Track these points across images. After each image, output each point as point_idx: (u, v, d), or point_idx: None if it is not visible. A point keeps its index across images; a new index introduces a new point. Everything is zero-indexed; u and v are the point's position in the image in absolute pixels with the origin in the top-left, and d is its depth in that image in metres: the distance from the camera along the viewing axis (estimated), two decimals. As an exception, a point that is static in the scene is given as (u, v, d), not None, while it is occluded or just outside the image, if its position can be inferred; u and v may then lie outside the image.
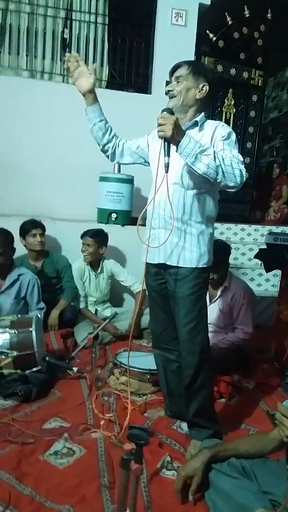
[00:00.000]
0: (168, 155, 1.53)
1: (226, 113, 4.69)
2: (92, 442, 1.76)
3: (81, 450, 1.70)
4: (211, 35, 4.40)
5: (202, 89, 1.69)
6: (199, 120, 1.69)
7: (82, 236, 3.11)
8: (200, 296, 1.74)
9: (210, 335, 2.63)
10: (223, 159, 1.52)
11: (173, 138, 1.48)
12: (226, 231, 4.30)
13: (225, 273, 2.71)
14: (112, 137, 1.82)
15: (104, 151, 1.86)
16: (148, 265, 1.76)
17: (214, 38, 4.42)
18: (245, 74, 4.69)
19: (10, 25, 3.88)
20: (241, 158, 1.60)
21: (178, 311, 1.74)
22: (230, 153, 1.59)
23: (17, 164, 3.79)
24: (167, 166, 1.53)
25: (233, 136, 1.66)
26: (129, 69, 4.19)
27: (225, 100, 4.68)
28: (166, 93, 1.71)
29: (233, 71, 4.61)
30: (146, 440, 1.14)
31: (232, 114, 4.73)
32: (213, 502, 1.42)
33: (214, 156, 1.50)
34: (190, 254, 1.69)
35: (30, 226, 3.06)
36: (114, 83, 4.19)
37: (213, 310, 2.70)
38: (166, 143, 1.52)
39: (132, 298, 3.34)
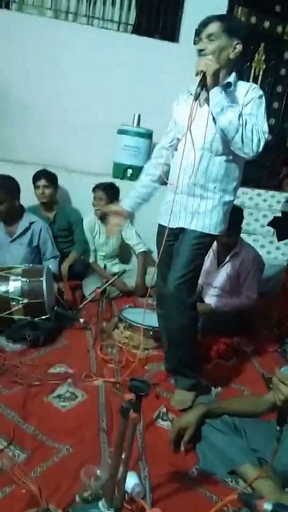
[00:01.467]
0: (201, 89, 1.56)
1: (255, 69, 4.45)
2: (94, 389, 1.86)
3: (83, 395, 1.81)
4: (246, -18, 4.09)
5: (235, 48, 1.64)
6: (232, 82, 1.66)
7: (94, 190, 3.09)
8: (199, 255, 1.76)
9: (214, 298, 2.73)
10: (245, 122, 1.54)
11: (211, 77, 1.53)
12: (241, 195, 4.21)
13: (236, 238, 2.70)
14: (159, 177, 1.88)
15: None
16: (163, 228, 1.78)
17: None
18: (279, 29, 4.40)
19: None
20: (266, 128, 1.60)
21: (174, 263, 1.78)
22: (255, 119, 1.59)
23: (34, 109, 3.69)
24: (197, 96, 1.56)
25: (263, 103, 1.64)
26: (157, 14, 3.95)
27: (256, 55, 4.43)
28: (198, 53, 1.64)
29: (266, 24, 4.32)
30: (145, 392, 1.19)
31: (261, 70, 4.48)
32: (204, 453, 1.52)
33: (239, 115, 1.53)
34: (210, 221, 1.73)
35: (35, 178, 3.07)
36: (141, 28, 3.97)
37: (221, 274, 2.73)
38: (203, 78, 1.55)
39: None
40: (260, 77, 4.47)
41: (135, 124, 3.52)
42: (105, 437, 1.57)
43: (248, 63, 4.39)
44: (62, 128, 3.74)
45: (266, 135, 1.59)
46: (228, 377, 2.14)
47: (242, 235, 2.84)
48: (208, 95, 1.58)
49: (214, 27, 1.62)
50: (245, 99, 1.63)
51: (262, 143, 1.57)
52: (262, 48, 4.40)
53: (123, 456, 1.24)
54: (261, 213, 4.12)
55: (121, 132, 3.48)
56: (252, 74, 4.43)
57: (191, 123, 1.56)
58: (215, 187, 1.71)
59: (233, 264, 2.69)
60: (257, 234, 4.04)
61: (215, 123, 1.61)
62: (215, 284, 2.76)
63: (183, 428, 1.54)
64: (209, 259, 2.80)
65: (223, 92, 1.56)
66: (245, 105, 1.62)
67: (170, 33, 3.95)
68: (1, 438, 1.49)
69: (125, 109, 3.51)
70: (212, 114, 1.60)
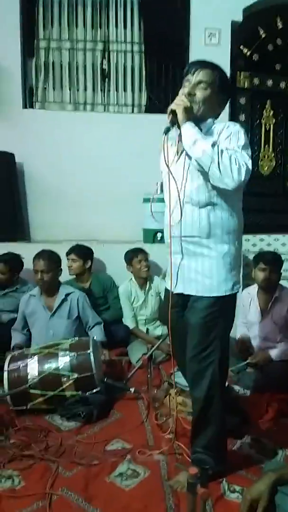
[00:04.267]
0: (172, 125, 1.52)
1: (265, 124, 4.67)
2: (154, 464, 1.79)
3: (145, 472, 1.74)
4: (245, 50, 4.43)
5: (224, 103, 1.64)
6: (203, 127, 1.58)
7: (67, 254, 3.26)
8: (214, 326, 1.57)
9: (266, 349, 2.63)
10: (221, 151, 1.43)
11: (182, 113, 1.48)
12: (273, 242, 4.23)
13: (276, 283, 2.70)
14: None
15: None
16: (167, 293, 1.70)
17: (249, 53, 4.44)
18: (282, 84, 4.67)
19: (53, 62, 4.13)
20: (246, 157, 1.46)
21: (189, 342, 1.63)
22: (233, 151, 1.46)
23: (65, 193, 4.01)
24: (166, 130, 1.52)
25: (242, 135, 1.51)
26: (166, 92, 4.31)
27: (264, 112, 4.67)
28: (186, 95, 1.54)
29: (269, 83, 4.60)
30: (210, 465, 1.16)
31: (271, 125, 4.70)
32: (281, 526, 1.40)
33: (213, 144, 1.43)
34: (211, 281, 1.57)
35: (67, 254, 3.26)
36: (152, 106, 4.31)
37: (266, 324, 2.69)
38: (173, 115, 1.52)
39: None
40: (271, 130, 4.67)
41: (159, 192, 3.69)
42: (174, 516, 1.49)
43: (258, 120, 4.62)
44: (92, 205, 4.01)
45: (249, 164, 1.45)
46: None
47: (283, 282, 2.83)
48: (181, 128, 1.50)
49: (208, 75, 1.57)
50: (220, 138, 1.52)
51: (243, 171, 1.42)
52: (269, 105, 4.64)
53: (197, 535, 1.18)
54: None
55: (146, 200, 3.66)
56: (263, 129, 4.64)
57: (169, 165, 1.51)
58: (208, 242, 1.55)
59: (278, 310, 2.65)
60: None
61: (191, 172, 1.54)
62: (263, 335, 2.70)
63: (255, 499, 1.44)
64: (251, 310, 2.78)
65: (195, 127, 1.49)
66: (222, 142, 1.51)
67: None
68: (68, 526, 1.45)
69: (148, 179, 3.71)
70: (187, 156, 1.53)
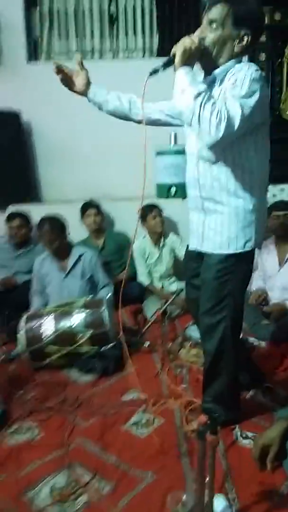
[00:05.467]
0: (163, 67, 1.41)
1: (287, 64, 4.35)
2: (169, 413, 1.84)
3: (160, 420, 1.79)
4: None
5: (243, 40, 1.40)
6: (217, 74, 1.44)
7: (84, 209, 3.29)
8: (226, 282, 1.54)
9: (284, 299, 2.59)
10: (204, 102, 1.27)
11: (180, 56, 1.34)
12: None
13: None
14: (132, 104, 1.72)
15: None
16: (187, 251, 1.73)
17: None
18: (307, 21, 4.29)
19: (57, 10, 3.88)
20: (236, 110, 1.28)
21: (202, 297, 1.63)
22: (225, 100, 1.30)
23: (76, 149, 3.88)
24: (153, 71, 1.44)
25: (247, 80, 1.31)
26: (179, 35, 4.02)
27: (285, 50, 4.33)
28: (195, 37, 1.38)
29: (292, 18, 4.23)
30: (220, 414, 1.16)
31: (293, 65, 4.37)
32: (292, 470, 1.43)
33: (197, 95, 1.28)
34: (221, 238, 1.53)
35: (84, 209, 3.26)
36: (165, 50, 4.06)
37: (285, 274, 2.64)
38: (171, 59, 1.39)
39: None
40: (292, 71, 4.35)
41: (172, 143, 3.56)
42: (188, 461, 1.54)
43: (280, 59, 4.30)
44: (102, 162, 3.88)
45: (237, 118, 1.27)
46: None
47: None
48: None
49: (218, 12, 1.37)
50: (228, 84, 1.38)
51: (223, 126, 1.25)
52: (291, 43, 4.29)
53: (207, 480, 1.21)
54: None
55: (159, 153, 3.53)
56: (285, 69, 4.33)
57: (143, 102, 1.47)
58: (222, 198, 1.50)
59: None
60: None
61: None
62: (281, 285, 2.66)
63: (267, 445, 1.46)
64: (269, 261, 2.72)
65: (189, 73, 1.34)
66: (228, 88, 1.36)
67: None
68: (85, 471, 1.51)
69: (160, 130, 3.56)
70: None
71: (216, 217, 1.54)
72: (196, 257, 1.68)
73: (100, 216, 3.31)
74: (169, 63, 1.40)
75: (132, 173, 3.83)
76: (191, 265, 1.76)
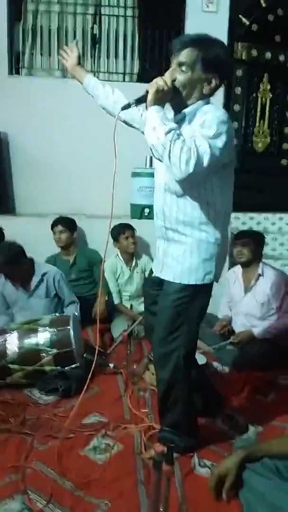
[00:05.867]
0: (136, 103, 1.47)
1: (262, 99, 4.53)
2: (128, 438, 1.82)
3: (118, 446, 1.77)
4: (244, 20, 4.25)
5: (211, 82, 1.46)
6: (187, 112, 1.49)
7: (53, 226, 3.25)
8: (182, 312, 1.55)
9: (247, 326, 2.65)
10: (175, 139, 1.31)
11: (153, 95, 1.39)
12: (263, 220, 4.20)
13: (258, 261, 2.73)
14: (119, 96, 1.78)
15: (119, 117, 1.69)
16: (151, 275, 1.76)
17: (248, 23, 4.26)
18: (281, 57, 4.50)
19: (41, 26, 3.93)
20: (204, 148, 1.32)
21: (157, 325, 1.64)
22: (193, 140, 1.34)
23: (52, 165, 3.89)
24: (125, 106, 1.50)
25: (215, 122, 1.36)
26: (160, 60, 4.14)
27: (260, 85, 4.52)
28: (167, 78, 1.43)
29: (268, 55, 4.43)
30: (177, 444, 1.17)
31: (268, 99, 4.57)
32: (247, 501, 1.44)
33: (168, 131, 1.33)
34: (181, 268, 1.55)
35: (52, 225, 3.25)
36: (146, 75, 4.15)
37: (249, 301, 2.71)
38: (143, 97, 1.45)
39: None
40: (267, 105, 4.54)
41: (148, 165, 3.62)
42: (144, 490, 1.52)
43: (254, 94, 4.49)
44: (78, 179, 3.90)
45: (206, 156, 1.31)
46: (268, 415, 2.05)
47: (269, 261, 2.85)
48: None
49: (188, 55, 1.42)
50: (197, 124, 1.42)
51: (192, 163, 1.29)
52: (267, 78, 4.50)
53: (161, 510, 1.21)
54: (285, 237, 4.08)
55: (135, 175, 3.59)
56: (259, 103, 4.51)
57: (114, 136, 1.53)
58: (185, 230, 1.53)
59: (262, 288, 2.67)
60: (284, 259, 3.97)
61: None
62: (245, 312, 2.73)
63: (223, 475, 1.48)
64: (235, 287, 2.80)
65: (160, 112, 1.39)
66: (196, 129, 1.40)
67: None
68: (40, 497, 1.47)
69: (137, 152, 3.63)
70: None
71: (178, 247, 1.56)
72: (157, 284, 1.70)
73: (67, 233, 3.24)
74: (141, 100, 1.46)
75: (107, 191, 3.89)
76: (150, 291, 1.78)
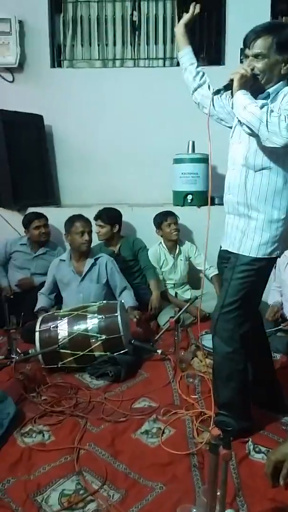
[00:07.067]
0: (225, 89, 1.59)
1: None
2: (179, 422, 1.82)
3: (170, 430, 1.77)
4: (287, -7, 4.04)
5: (287, 63, 1.54)
6: (271, 92, 1.57)
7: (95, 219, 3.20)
8: (247, 283, 1.62)
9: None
10: (271, 111, 1.43)
11: (238, 82, 1.50)
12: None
13: None
14: (204, 82, 1.82)
15: (195, 98, 1.85)
16: (220, 251, 1.79)
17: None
18: None
19: (81, 16, 3.94)
20: None
21: (220, 293, 1.73)
22: (285, 109, 1.45)
23: (94, 155, 3.93)
24: (218, 91, 1.61)
25: None
26: (201, 42, 4.04)
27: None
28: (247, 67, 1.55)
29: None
30: (233, 427, 1.15)
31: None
32: (305, 489, 1.40)
33: (262, 106, 1.44)
34: (252, 243, 1.61)
35: (94, 219, 3.18)
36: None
37: None
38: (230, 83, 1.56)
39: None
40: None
41: (190, 151, 3.56)
42: (198, 474, 1.52)
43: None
44: (120, 168, 3.91)
45: None
46: None
47: None
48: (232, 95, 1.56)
49: (261, 45, 1.51)
50: (283, 101, 1.51)
51: None
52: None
53: (218, 494, 1.19)
54: None
55: (177, 161, 3.53)
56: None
57: (208, 122, 1.62)
58: (259, 205, 1.59)
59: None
60: None
61: (249, 136, 1.56)
62: None
63: (280, 460, 1.44)
64: (286, 272, 2.69)
65: (247, 93, 1.51)
66: (284, 104, 1.49)
67: (215, 57, 4.00)
68: (95, 478, 1.50)
69: (179, 138, 3.58)
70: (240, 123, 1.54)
71: (249, 222, 1.62)
72: (226, 258, 1.74)
73: (106, 228, 3.20)
74: (228, 86, 1.57)
75: (149, 179, 3.88)
76: (221, 266, 1.84)
